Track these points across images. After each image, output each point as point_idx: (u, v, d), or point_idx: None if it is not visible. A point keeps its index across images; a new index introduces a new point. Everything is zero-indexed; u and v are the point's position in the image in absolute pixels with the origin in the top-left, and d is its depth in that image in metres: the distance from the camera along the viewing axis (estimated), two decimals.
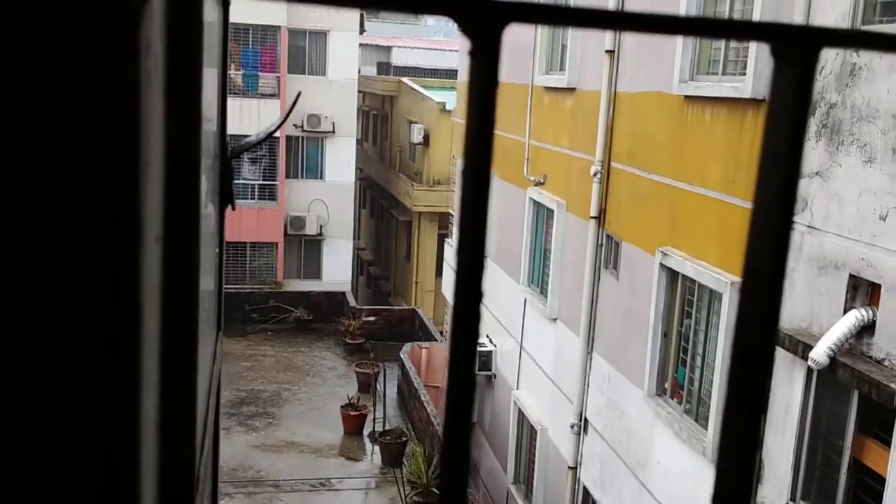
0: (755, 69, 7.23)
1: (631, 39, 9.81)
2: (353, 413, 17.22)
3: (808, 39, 0.50)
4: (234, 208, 1.65)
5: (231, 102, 22.91)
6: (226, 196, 1.57)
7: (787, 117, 0.50)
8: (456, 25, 0.50)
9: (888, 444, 5.83)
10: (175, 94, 0.65)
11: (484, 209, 0.52)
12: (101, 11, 0.44)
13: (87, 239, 0.47)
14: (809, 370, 6.43)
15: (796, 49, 0.49)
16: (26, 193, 0.48)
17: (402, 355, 18.82)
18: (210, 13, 1.11)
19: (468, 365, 0.50)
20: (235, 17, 25.81)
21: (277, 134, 24.58)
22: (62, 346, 0.50)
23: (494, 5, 0.46)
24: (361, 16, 26.70)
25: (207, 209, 1.30)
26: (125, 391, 0.53)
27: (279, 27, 24.71)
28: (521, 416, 13.04)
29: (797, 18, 6.70)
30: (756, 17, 7.25)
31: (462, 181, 0.50)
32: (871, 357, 5.95)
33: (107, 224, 0.47)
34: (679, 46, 8.45)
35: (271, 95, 24.76)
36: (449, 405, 0.48)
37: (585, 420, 10.82)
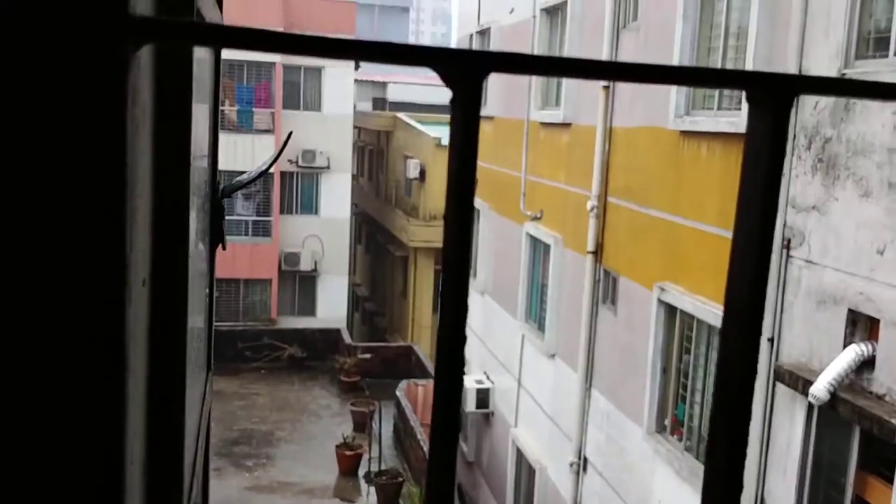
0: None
1: None
2: (348, 453, 17.03)
3: (782, 87, 0.50)
4: (224, 248, 1.65)
5: (225, 138, 23.00)
6: (216, 235, 1.57)
7: (762, 162, 0.50)
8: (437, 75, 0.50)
9: (891, 481, 5.78)
10: (164, 139, 0.65)
11: (467, 245, 0.51)
12: (88, 62, 0.45)
13: (72, 284, 0.47)
14: (810, 406, 6.39)
15: (770, 96, 0.50)
16: (12, 238, 0.48)
17: (398, 393, 18.69)
18: (201, 50, 1.13)
19: (454, 405, 0.49)
20: (230, 53, 26.06)
21: (272, 170, 24.68)
22: (46, 391, 0.50)
23: (474, 56, 0.47)
24: None
25: (198, 248, 1.30)
26: (110, 435, 0.52)
27: (274, 63, 24.94)
28: (520, 455, 12.92)
29: (790, 54, 6.79)
30: (750, 52, 7.33)
31: (445, 223, 0.50)
32: (871, 392, 5.92)
33: (92, 269, 0.47)
34: None
35: (266, 131, 24.90)
36: (434, 436, 0.48)
37: (585, 458, 10.72)
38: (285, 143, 2.95)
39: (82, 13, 0.44)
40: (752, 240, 0.50)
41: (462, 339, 0.49)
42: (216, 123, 1.60)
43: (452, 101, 0.50)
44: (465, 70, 0.48)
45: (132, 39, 0.46)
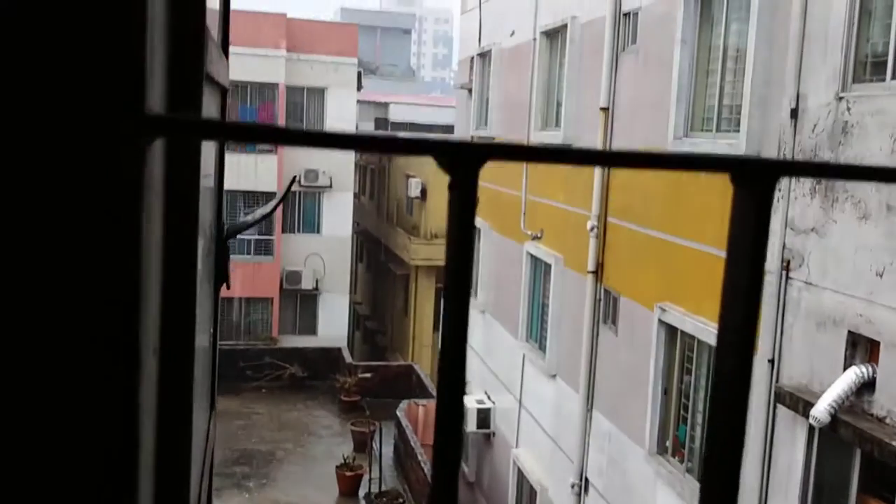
0: (749, 126, 7.34)
1: (625, 97, 9.98)
2: (348, 473, 16.96)
3: (766, 171, 0.53)
4: (228, 287, 1.67)
5: (229, 158, 23.06)
6: (221, 276, 1.59)
7: (746, 240, 0.53)
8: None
9: (892, 503, 5.76)
10: (174, 215, 0.68)
11: (464, 328, 0.54)
12: (107, 156, 0.47)
13: (87, 358, 0.49)
14: (811, 428, 6.38)
15: (754, 179, 0.52)
16: (34, 312, 0.50)
17: (398, 413, 18.63)
18: (208, 106, 1.16)
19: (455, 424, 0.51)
20: (233, 74, 26.15)
21: (275, 189, 24.74)
22: (60, 464, 0.52)
23: (470, 146, 0.50)
24: (359, 73, 27.14)
25: (202, 291, 1.32)
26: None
27: (277, 84, 25.08)
28: (521, 476, 12.87)
29: (788, 77, 6.84)
30: (748, 75, 7.38)
31: (443, 304, 0.53)
32: (872, 415, 5.92)
33: (107, 341, 0.49)
34: (673, 103, 8.59)
35: (268, 151, 25.00)
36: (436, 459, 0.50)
37: (586, 479, 10.68)
38: (290, 185, 2.99)
39: (103, 112, 0.47)
40: (737, 321, 0.52)
41: (462, 372, 0.52)
42: (222, 160, 1.63)
43: (451, 186, 0.52)
44: (463, 159, 0.51)
45: (146, 135, 0.48)
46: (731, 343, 0.57)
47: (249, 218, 2.39)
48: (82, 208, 0.48)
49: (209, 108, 1.23)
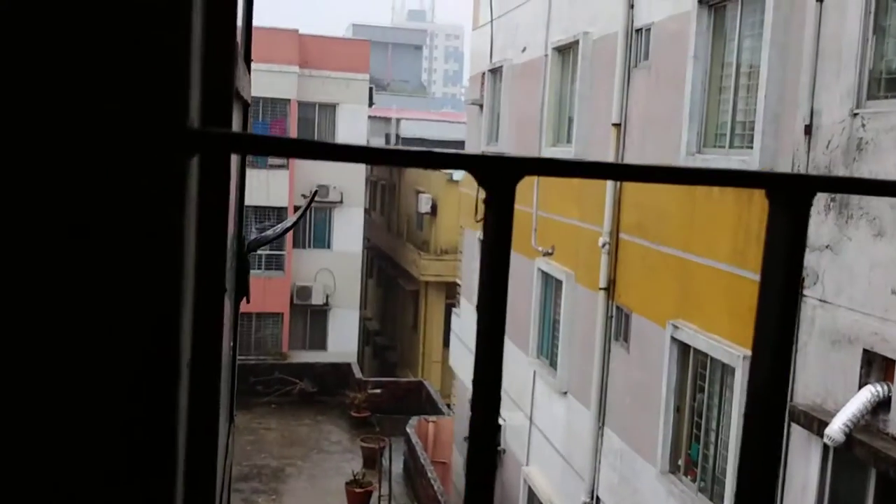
0: (762, 142, 7.32)
1: (637, 113, 9.98)
2: (357, 490, 16.89)
3: (800, 187, 0.52)
4: (248, 301, 1.68)
5: None
6: (241, 290, 1.60)
7: (781, 259, 0.53)
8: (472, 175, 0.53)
9: None
10: (205, 229, 0.68)
11: (501, 328, 0.54)
12: (152, 171, 0.48)
13: (131, 371, 0.50)
14: (825, 447, 6.32)
15: (790, 195, 0.52)
16: (81, 318, 0.50)
17: (408, 429, 18.56)
18: (232, 122, 1.17)
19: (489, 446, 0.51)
20: None
21: (286, 204, 24.83)
22: (102, 465, 0.52)
23: (508, 161, 0.50)
24: (370, 88, 27.27)
25: (226, 305, 1.33)
26: None
27: (289, 100, 25.22)
28: (532, 494, 12.78)
29: (802, 94, 6.82)
30: (761, 92, 7.36)
31: (477, 333, 0.53)
32: (887, 434, 5.86)
33: (151, 355, 0.49)
34: (686, 118, 8.59)
35: (280, 167, 25.12)
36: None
37: (597, 498, 10.60)
38: (311, 199, 3.00)
39: (150, 127, 0.47)
40: (772, 335, 0.52)
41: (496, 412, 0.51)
42: (243, 176, 1.64)
43: (486, 200, 0.52)
44: (500, 174, 0.51)
45: (189, 150, 0.49)
46: (766, 363, 0.57)
47: (270, 232, 2.39)
48: (129, 222, 0.48)
49: (235, 123, 1.24)
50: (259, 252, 25.54)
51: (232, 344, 1.60)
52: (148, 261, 0.48)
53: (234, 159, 1.33)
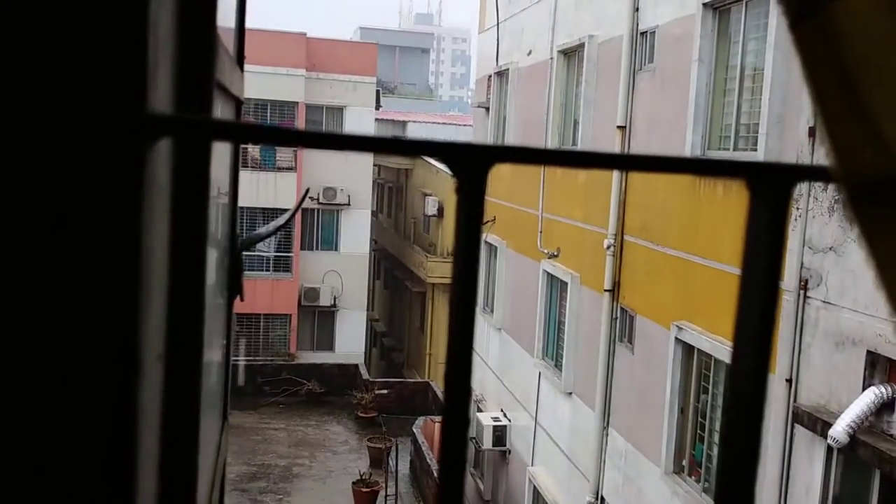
0: (766, 144, 7.30)
1: (642, 115, 9.96)
2: (364, 490, 16.91)
3: (780, 176, 0.52)
4: (242, 300, 1.68)
5: (248, 176, 23.13)
6: (235, 288, 1.60)
7: (761, 250, 0.52)
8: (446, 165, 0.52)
9: None
10: (181, 216, 0.68)
11: (470, 340, 0.53)
12: (109, 157, 0.47)
13: (83, 363, 0.49)
14: (829, 448, 6.30)
15: (770, 185, 0.51)
16: (28, 312, 0.50)
17: (414, 430, 18.58)
18: (224, 117, 1.16)
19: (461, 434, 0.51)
20: (253, 92, 26.31)
21: (292, 207, 24.84)
22: (52, 467, 0.51)
23: (478, 148, 0.49)
24: (378, 91, 27.29)
25: (216, 302, 1.32)
26: None
27: (297, 103, 25.27)
28: (537, 494, 12.77)
29: (806, 97, 6.79)
30: (766, 94, 7.35)
31: (449, 310, 0.52)
32: (891, 435, 5.83)
33: (104, 347, 0.49)
34: (690, 121, 8.57)
35: (288, 169, 25.16)
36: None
37: (602, 498, 10.58)
38: (303, 197, 3.01)
39: (103, 110, 0.47)
40: (752, 330, 0.51)
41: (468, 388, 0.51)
42: (237, 174, 1.64)
43: (457, 189, 0.52)
44: (471, 161, 0.50)
45: (148, 135, 0.48)
46: (746, 357, 0.56)
47: (263, 230, 2.39)
48: (81, 207, 0.48)
49: (224, 117, 1.24)
50: (266, 254, 25.59)
51: (226, 342, 1.60)
52: (101, 248, 0.48)
53: (224, 153, 1.33)
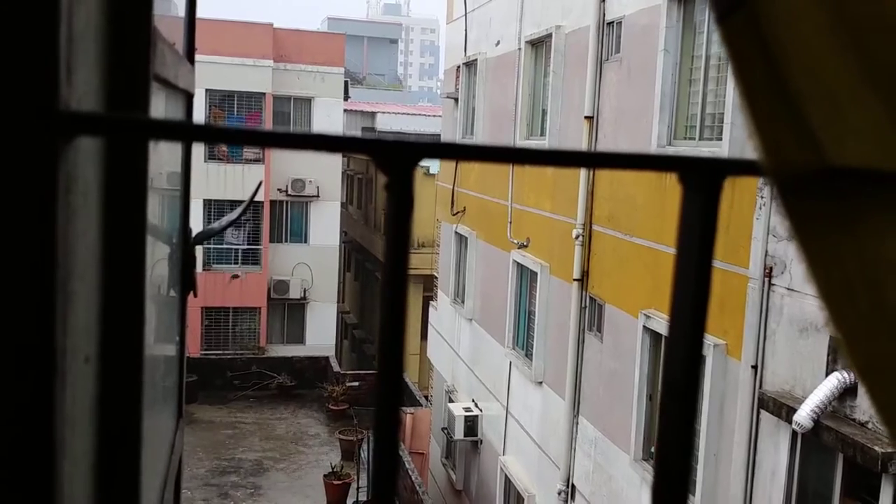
0: (731, 133, 7.38)
1: (609, 105, 10.01)
2: (336, 482, 16.89)
3: (711, 169, 0.52)
4: (195, 295, 1.65)
5: (216, 168, 22.86)
6: (187, 283, 1.57)
7: (694, 240, 0.52)
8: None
9: None
10: (114, 214, 0.66)
11: (401, 333, 0.53)
12: (17, 157, 0.46)
13: None
14: (794, 433, 6.40)
15: (702, 178, 0.51)
16: None
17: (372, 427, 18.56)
18: (171, 112, 1.14)
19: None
20: (221, 83, 26.08)
21: (262, 199, 24.70)
22: None
23: (404, 146, 0.48)
24: (346, 82, 27.13)
25: (168, 297, 1.30)
26: None
27: (264, 94, 25.05)
28: (508, 483, 12.84)
29: None
30: (731, 86, 7.42)
31: (381, 303, 0.52)
32: (854, 420, 5.94)
33: (13, 349, 0.47)
34: (657, 111, 8.63)
35: (255, 160, 24.95)
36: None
37: (573, 486, 10.67)
38: (255, 191, 2.98)
39: (11, 111, 0.45)
40: (686, 316, 0.51)
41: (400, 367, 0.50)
42: (188, 167, 1.61)
43: (386, 186, 0.51)
44: (398, 158, 0.49)
45: (61, 134, 0.47)
46: (679, 346, 0.56)
47: (216, 225, 2.38)
48: None
49: (170, 111, 1.22)
50: (235, 247, 25.38)
51: (178, 338, 1.58)
52: (9, 248, 0.46)
53: (175, 148, 1.31)
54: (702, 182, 0.52)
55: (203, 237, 1.93)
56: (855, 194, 0.47)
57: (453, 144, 0.48)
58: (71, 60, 0.50)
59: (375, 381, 0.50)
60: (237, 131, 0.43)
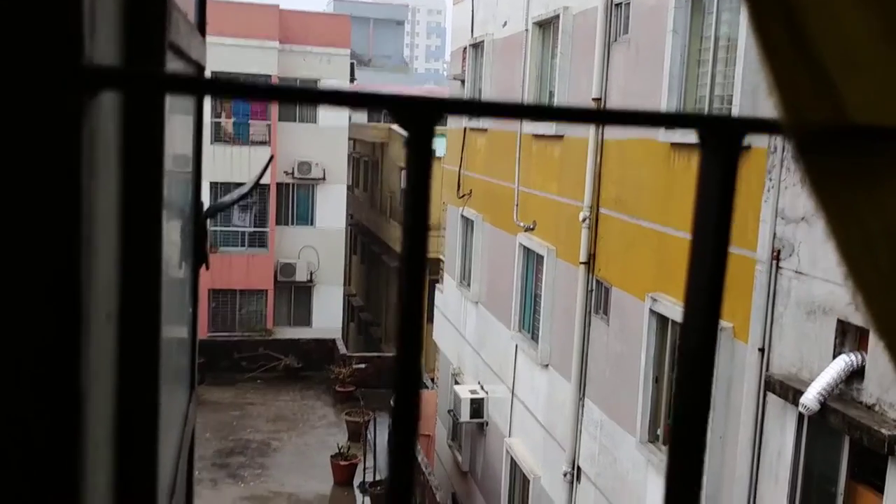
0: (740, 114, 7.33)
1: (617, 87, 9.96)
2: (343, 463, 17.00)
3: (730, 128, 0.52)
4: (207, 268, 1.66)
5: (222, 150, 22.82)
6: (199, 256, 1.58)
7: (713, 202, 0.52)
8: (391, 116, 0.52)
9: (881, 490, 5.79)
10: (134, 176, 0.66)
11: (421, 281, 0.53)
12: (43, 111, 0.46)
13: (22, 322, 0.48)
14: (801, 416, 6.40)
15: (719, 138, 0.51)
16: None
17: (392, 403, 18.66)
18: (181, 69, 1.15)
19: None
20: (225, 66, 25.97)
21: (268, 181, 24.69)
22: None
23: (426, 102, 0.49)
24: (352, 64, 27.04)
25: (180, 270, 1.31)
26: (66, 483, 0.52)
27: (270, 76, 24.99)
28: (514, 465, 12.90)
29: None
30: (739, 64, 7.36)
31: (399, 263, 0.52)
32: (861, 402, 5.94)
33: (44, 308, 0.48)
34: (665, 92, 8.58)
35: (262, 143, 24.93)
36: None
37: (578, 468, 10.71)
38: (267, 164, 2.98)
39: (37, 65, 0.45)
40: (704, 279, 0.51)
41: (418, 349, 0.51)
42: (200, 147, 1.62)
43: (407, 143, 0.51)
44: (418, 114, 0.50)
45: (86, 88, 0.47)
46: (697, 314, 0.56)
47: (227, 198, 2.38)
48: (15, 158, 0.47)
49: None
50: (242, 229, 25.42)
51: (191, 311, 1.59)
52: (38, 198, 0.47)
53: (187, 122, 1.31)
54: (721, 141, 0.52)
55: (215, 210, 1.93)
56: (875, 152, 0.47)
57: (475, 101, 0.48)
58: (94, 18, 0.50)
59: (395, 334, 0.50)
60: (254, 86, 0.44)
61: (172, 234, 1.04)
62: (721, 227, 0.54)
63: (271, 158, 3.51)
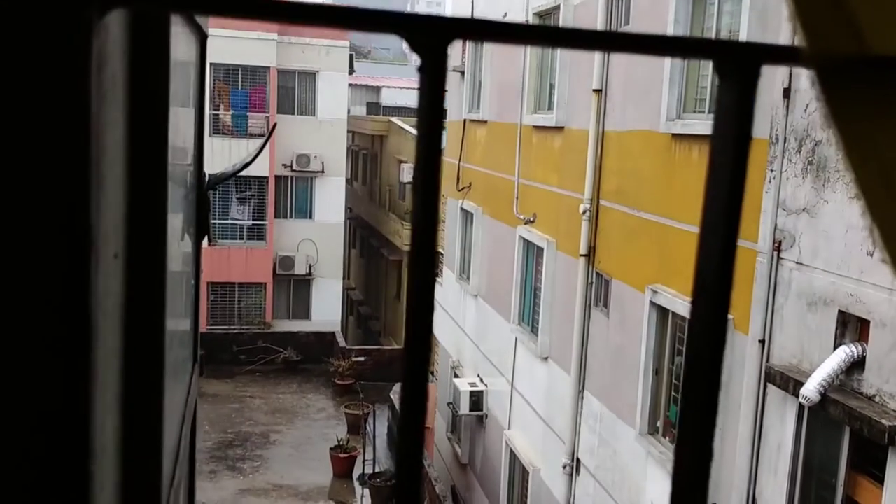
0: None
1: (618, 78, 9.94)
2: (342, 455, 17.02)
3: (748, 56, 0.51)
4: (210, 241, 1.65)
5: (220, 142, 22.80)
6: (202, 228, 1.57)
7: (730, 133, 0.51)
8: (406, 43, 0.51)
9: (881, 481, 5.79)
10: (139, 110, 0.65)
11: (434, 226, 0.52)
12: (50, 27, 0.45)
13: (33, 252, 0.47)
14: (801, 407, 6.40)
15: (737, 65, 0.50)
16: None
17: (392, 396, 18.70)
18: (186, 50, 1.13)
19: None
20: (225, 58, 25.89)
21: (266, 174, 24.66)
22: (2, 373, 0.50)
23: (441, 22, 0.47)
24: (351, 56, 26.98)
25: (184, 241, 1.30)
26: (74, 418, 0.52)
27: (268, 68, 24.94)
28: (513, 457, 12.91)
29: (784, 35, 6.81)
30: (744, 29, 7.34)
31: (413, 197, 0.51)
32: (861, 393, 5.94)
33: (55, 237, 0.47)
34: (666, 85, 8.57)
35: (261, 135, 24.89)
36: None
37: (577, 460, 10.72)
38: (271, 131, 2.98)
39: None
40: (720, 219, 0.51)
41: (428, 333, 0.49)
42: (202, 119, 1.61)
43: (420, 68, 0.50)
44: (432, 36, 0.48)
45: (97, 4, 0.46)
46: (716, 234, 0.55)
47: (229, 169, 2.37)
48: (24, 78, 0.46)
49: (187, 48, 1.21)
50: (241, 222, 25.40)
51: (194, 281, 1.58)
52: (50, 122, 0.46)
53: (189, 98, 1.30)
54: (738, 69, 0.51)
55: (216, 181, 1.93)
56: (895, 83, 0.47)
57: (490, 22, 0.47)
58: None
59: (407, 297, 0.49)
60: (257, 3, 0.43)
61: (178, 202, 1.03)
62: (739, 158, 0.53)
63: (275, 125, 3.50)
